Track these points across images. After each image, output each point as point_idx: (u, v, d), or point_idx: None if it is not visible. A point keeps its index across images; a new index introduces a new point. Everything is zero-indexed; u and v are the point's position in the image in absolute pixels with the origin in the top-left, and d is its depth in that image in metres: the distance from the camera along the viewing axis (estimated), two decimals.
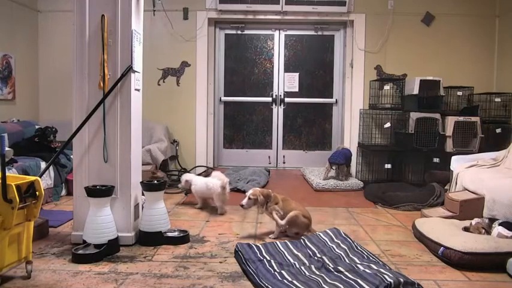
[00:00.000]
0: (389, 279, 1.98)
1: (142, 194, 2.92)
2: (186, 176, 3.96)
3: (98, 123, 2.72)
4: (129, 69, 2.70)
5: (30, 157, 3.90)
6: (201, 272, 2.33)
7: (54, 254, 2.55)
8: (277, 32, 5.61)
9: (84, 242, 2.56)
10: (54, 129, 4.47)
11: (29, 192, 2.11)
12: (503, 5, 5.15)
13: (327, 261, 2.34)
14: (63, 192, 4.17)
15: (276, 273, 2.22)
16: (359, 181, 4.82)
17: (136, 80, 2.81)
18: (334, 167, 4.75)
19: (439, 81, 4.72)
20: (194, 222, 3.32)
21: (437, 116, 4.64)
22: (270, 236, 2.97)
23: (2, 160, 2.05)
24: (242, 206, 2.93)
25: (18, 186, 2.04)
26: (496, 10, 5.26)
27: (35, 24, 5.35)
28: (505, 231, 2.68)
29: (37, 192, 2.15)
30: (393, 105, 4.93)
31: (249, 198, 2.92)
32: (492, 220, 2.93)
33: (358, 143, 5.22)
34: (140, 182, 2.86)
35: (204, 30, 5.33)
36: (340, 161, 4.68)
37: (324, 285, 2.04)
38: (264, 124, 5.69)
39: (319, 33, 5.58)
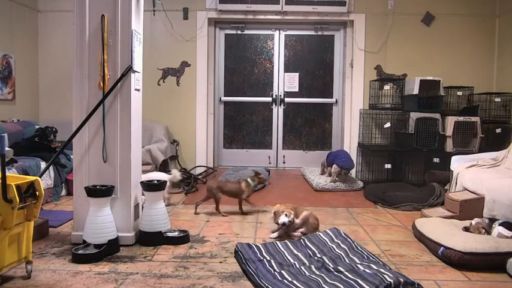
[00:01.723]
0: (389, 279, 1.98)
1: (142, 194, 2.93)
2: None
3: (98, 123, 2.72)
4: (129, 69, 2.70)
5: (30, 157, 3.90)
6: (201, 272, 2.33)
7: (54, 254, 2.55)
8: (277, 32, 5.61)
9: (84, 242, 2.56)
10: (54, 129, 4.47)
11: (29, 192, 2.11)
12: (503, 5, 5.16)
13: (327, 261, 2.34)
14: (63, 192, 4.17)
15: (276, 273, 2.21)
16: (359, 181, 4.82)
17: (136, 80, 2.81)
18: (343, 172, 4.69)
19: (439, 81, 4.72)
20: (194, 222, 3.32)
21: (437, 116, 4.64)
22: (270, 235, 2.97)
23: (2, 160, 2.05)
24: (284, 224, 2.86)
25: (18, 186, 2.04)
26: (496, 10, 5.26)
27: (35, 24, 5.34)
28: (505, 231, 2.68)
29: (37, 192, 2.15)
30: (393, 105, 4.93)
31: (290, 221, 2.86)
32: (492, 220, 2.93)
33: (358, 143, 5.22)
34: (140, 182, 2.86)
35: (204, 30, 5.34)
36: (351, 166, 4.67)
37: (324, 285, 2.04)
38: (264, 124, 5.69)
39: (319, 33, 5.58)
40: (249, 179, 3.60)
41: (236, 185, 3.59)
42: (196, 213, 3.56)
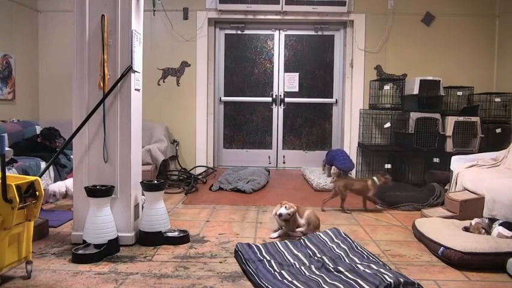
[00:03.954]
0: (389, 279, 1.98)
1: (142, 194, 2.92)
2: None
3: (98, 123, 2.72)
4: (129, 69, 2.70)
5: (30, 157, 3.90)
6: (201, 272, 2.33)
7: (54, 254, 2.55)
8: (277, 32, 5.61)
9: (84, 242, 2.56)
10: (58, 131, 4.50)
11: (29, 192, 2.11)
12: (503, 5, 5.16)
13: (327, 261, 2.34)
14: None
15: (276, 273, 2.21)
16: None
17: (136, 80, 2.81)
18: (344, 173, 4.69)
19: (439, 81, 4.72)
20: (194, 222, 3.32)
21: (437, 116, 4.64)
22: (270, 235, 2.97)
23: (2, 160, 2.05)
24: (281, 215, 2.88)
25: (18, 186, 2.04)
26: (496, 10, 5.26)
27: (35, 24, 5.35)
28: (505, 231, 2.68)
29: (37, 192, 2.15)
30: (393, 105, 4.93)
31: (289, 214, 2.88)
32: (492, 220, 2.93)
33: (358, 143, 5.22)
34: (140, 182, 2.86)
35: (204, 30, 5.34)
36: (351, 167, 4.67)
37: (324, 285, 2.04)
38: (264, 124, 5.69)
39: (319, 33, 5.58)
40: (375, 178, 3.72)
41: (362, 183, 3.74)
42: (323, 210, 3.70)
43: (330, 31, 5.58)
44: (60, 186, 3.52)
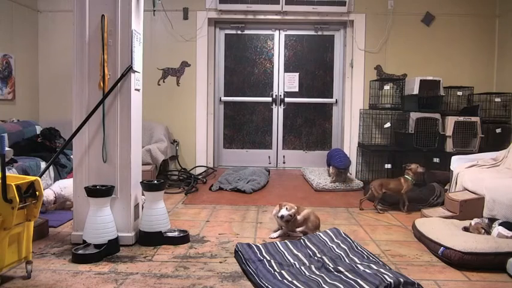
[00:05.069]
0: (389, 279, 1.98)
1: (143, 194, 2.93)
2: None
3: (98, 123, 2.72)
4: (129, 69, 2.70)
5: (30, 157, 3.90)
6: (201, 272, 2.33)
7: (54, 254, 2.56)
8: (277, 32, 5.61)
9: (84, 242, 2.56)
10: (58, 132, 4.50)
11: (29, 192, 2.11)
12: (503, 5, 5.15)
13: (327, 261, 2.34)
14: None
15: (276, 273, 2.22)
16: (359, 181, 4.81)
17: (136, 80, 2.82)
18: (342, 171, 4.69)
19: (439, 81, 4.72)
20: (194, 222, 3.32)
21: (437, 116, 4.63)
22: (270, 235, 2.97)
23: (2, 160, 2.05)
24: (283, 217, 2.89)
25: (18, 186, 2.04)
26: (496, 10, 5.26)
27: (35, 24, 5.34)
28: (505, 231, 2.68)
29: (37, 192, 2.16)
30: (393, 105, 4.93)
31: (290, 215, 2.89)
32: (492, 220, 2.93)
33: (358, 143, 5.22)
34: (140, 182, 2.86)
35: (204, 30, 5.34)
36: (348, 164, 4.68)
37: (324, 285, 2.04)
38: (264, 124, 5.69)
39: (319, 33, 5.58)
40: (406, 176, 3.77)
41: (396, 182, 3.79)
42: (361, 209, 3.80)
43: (330, 31, 5.58)
44: (48, 194, 3.39)
